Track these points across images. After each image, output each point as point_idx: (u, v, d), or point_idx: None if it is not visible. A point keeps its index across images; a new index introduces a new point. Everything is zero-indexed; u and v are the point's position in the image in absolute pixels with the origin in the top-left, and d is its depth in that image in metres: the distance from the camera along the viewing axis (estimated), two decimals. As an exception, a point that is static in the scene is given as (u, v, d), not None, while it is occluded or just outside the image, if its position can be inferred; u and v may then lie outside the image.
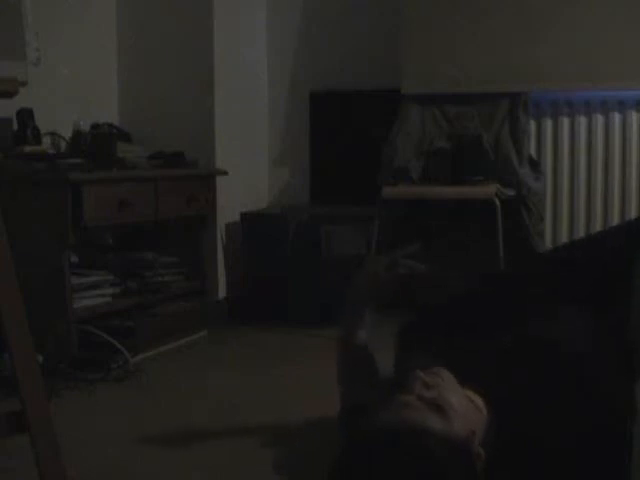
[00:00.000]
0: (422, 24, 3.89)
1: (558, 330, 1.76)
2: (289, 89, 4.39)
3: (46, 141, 3.48)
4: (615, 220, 3.75)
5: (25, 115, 3.31)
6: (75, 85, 3.77)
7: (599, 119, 3.81)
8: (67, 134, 3.58)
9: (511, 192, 3.65)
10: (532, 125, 3.88)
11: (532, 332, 1.77)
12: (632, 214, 3.74)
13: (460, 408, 1.56)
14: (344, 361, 2.03)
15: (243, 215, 4.06)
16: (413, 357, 1.83)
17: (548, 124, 3.88)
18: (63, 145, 3.57)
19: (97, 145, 3.43)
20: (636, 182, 3.78)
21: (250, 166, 4.29)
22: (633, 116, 3.77)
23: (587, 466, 1.53)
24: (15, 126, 3.31)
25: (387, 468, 1.44)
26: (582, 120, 3.83)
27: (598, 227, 3.82)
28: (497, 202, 3.50)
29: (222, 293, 4.05)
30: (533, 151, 3.88)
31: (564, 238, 3.89)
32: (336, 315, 3.44)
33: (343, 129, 4.21)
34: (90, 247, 3.54)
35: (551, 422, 1.56)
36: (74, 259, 3.33)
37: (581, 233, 3.86)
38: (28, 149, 3.25)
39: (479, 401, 1.62)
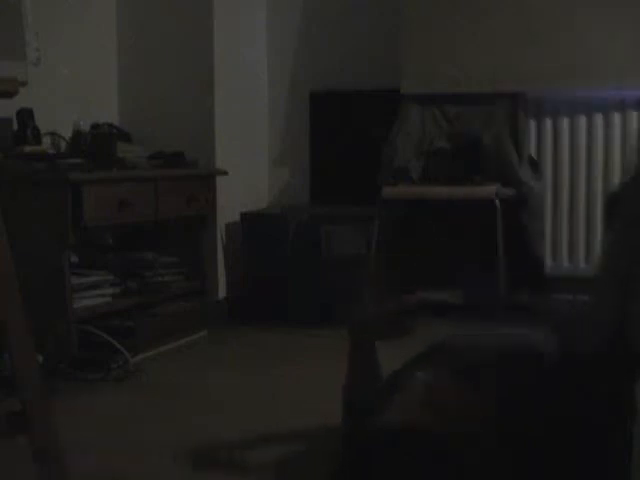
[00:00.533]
0: (422, 24, 3.89)
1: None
2: (289, 89, 4.39)
3: (46, 141, 3.48)
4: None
5: (25, 115, 3.31)
6: (75, 85, 3.77)
7: (599, 119, 3.81)
8: (67, 134, 3.58)
9: (511, 192, 3.65)
10: (532, 125, 3.88)
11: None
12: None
13: (459, 409, 1.56)
14: (353, 361, 2.02)
15: (243, 215, 4.06)
16: (413, 357, 1.83)
17: (548, 124, 3.88)
18: (63, 145, 3.57)
19: (97, 145, 3.43)
20: (636, 182, 3.77)
21: (250, 166, 4.29)
22: (633, 116, 3.77)
23: (587, 466, 1.53)
24: (15, 126, 3.31)
25: (388, 468, 1.44)
26: (582, 120, 3.83)
27: (598, 227, 3.82)
28: (497, 202, 3.50)
29: (222, 293, 4.05)
30: (533, 151, 3.88)
31: (564, 238, 3.89)
32: (336, 315, 3.46)
33: (343, 129, 4.21)
34: (90, 247, 3.54)
35: (551, 422, 1.56)
36: (74, 259, 3.33)
37: (581, 233, 3.86)
38: (28, 149, 3.25)
39: (479, 401, 1.62)
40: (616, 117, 3.79)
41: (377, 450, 1.46)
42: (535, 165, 3.83)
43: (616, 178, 3.79)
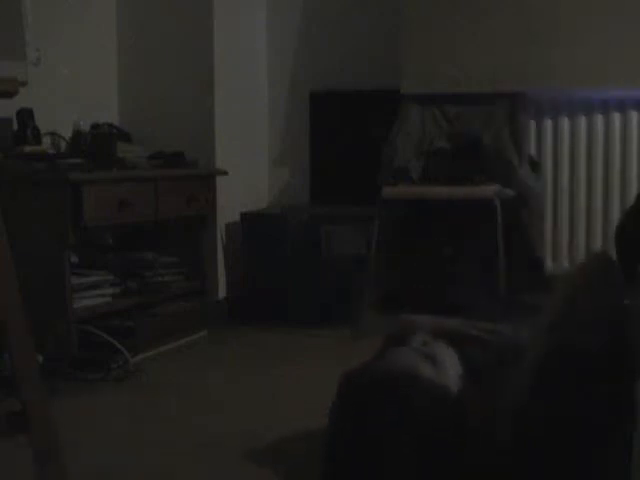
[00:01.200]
0: (422, 24, 3.89)
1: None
2: (289, 89, 4.39)
3: (46, 141, 3.49)
4: (614, 219, 3.74)
5: (25, 115, 3.31)
6: (75, 85, 3.77)
7: (599, 119, 3.81)
8: (67, 134, 3.58)
9: (511, 192, 3.65)
10: (532, 125, 3.88)
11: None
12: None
13: (454, 369, 1.57)
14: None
15: (243, 215, 4.06)
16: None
17: (548, 124, 3.88)
18: (63, 145, 3.57)
19: (97, 145, 3.43)
20: (636, 182, 3.78)
21: (250, 166, 4.29)
22: (633, 116, 3.76)
23: (587, 466, 1.53)
24: (15, 126, 3.31)
25: (380, 408, 1.45)
26: (582, 120, 3.83)
27: (598, 227, 3.82)
28: (497, 202, 3.50)
29: (222, 293, 4.05)
30: (533, 151, 3.88)
31: (564, 238, 3.89)
32: (336, 315, 3.44)
33: (343, 129, 4.21)
34: (90, 247, 3.54)
35: (551, 422, 1.56)
36: (74, 259, 3.33)
37: (581, 233, 3.86)
38: (28, 149, 3.25)
39: (478, 400, 1.62)
40: (616, 117, 3.79)
41: (371, 391, 1.48)
42: (535, 165, 3.83)
43: (616, 179, 3.79)
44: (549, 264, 3.89)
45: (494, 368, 1.71)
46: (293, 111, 4.37)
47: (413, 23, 3.91)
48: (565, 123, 3.86)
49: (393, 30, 4.01)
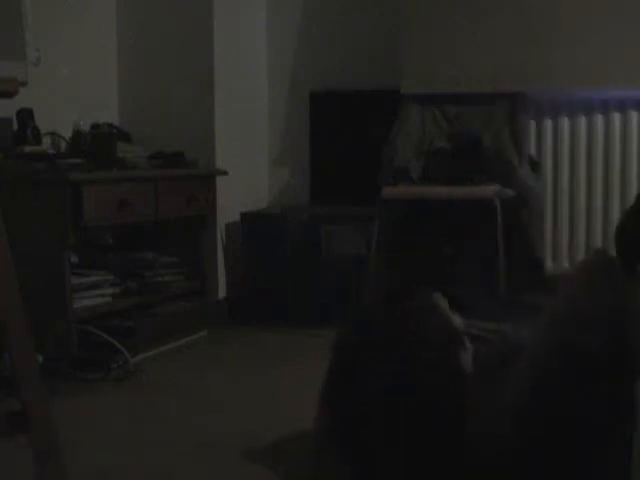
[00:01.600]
0: (422, 24, 3.89)
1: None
2: (289, 89, 4.39)
3: (46, 141, 3.49)
4: (614, 219, 3.74)
5: (25, 115, 3.31)
6: (75, 85, 3.77)
7: (599, 119, 3.81)
8: (67, 134, 3.58)
9: (511, 192, 3.65)
10: (532, 125, 3.88)
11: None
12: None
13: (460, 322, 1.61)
14: None
15: (243, 215, 4.06)
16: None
17: (548, 124, 3.88)
18: (63, 145, 3.57)
19: (97, 145, 3.43)
20: (636, 182, 3.78)
21: (250, 166, 4.29)
22: (633, 116, 3.76)
23: (587, 466, 1.53)
24: (15, 126, 3.31)
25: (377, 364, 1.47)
26: (582, 120, 3.83)
27: (598, 227, 3.81)
28: (497, 202, 3.50)
29: (222, 293, 4.05)
30: (533, 151, 3.88)
31: (564, 238, 3.89)
32: (336, 315, 3.44)
33: (343, 129, 4.21)
34: (90, 247, 3.54)
35: (551, 422, 1.56)
36: (74, 259, 3.33)
37: (581, 233, 3.86)
38: (28, 149, 3.25)
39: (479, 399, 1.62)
40: (616, 117, 3.78)
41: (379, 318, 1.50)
42: (535, 165, 3.83)
43: (616, 179, 3.79)
44: (549, 264, 3.89)
45: (495, 368, 1.71)
46: (293, 111, 4.37)
47: (413, 23, 3.90)
48: (565, 123, 3.86)
49: (393, 30, 4.01)
